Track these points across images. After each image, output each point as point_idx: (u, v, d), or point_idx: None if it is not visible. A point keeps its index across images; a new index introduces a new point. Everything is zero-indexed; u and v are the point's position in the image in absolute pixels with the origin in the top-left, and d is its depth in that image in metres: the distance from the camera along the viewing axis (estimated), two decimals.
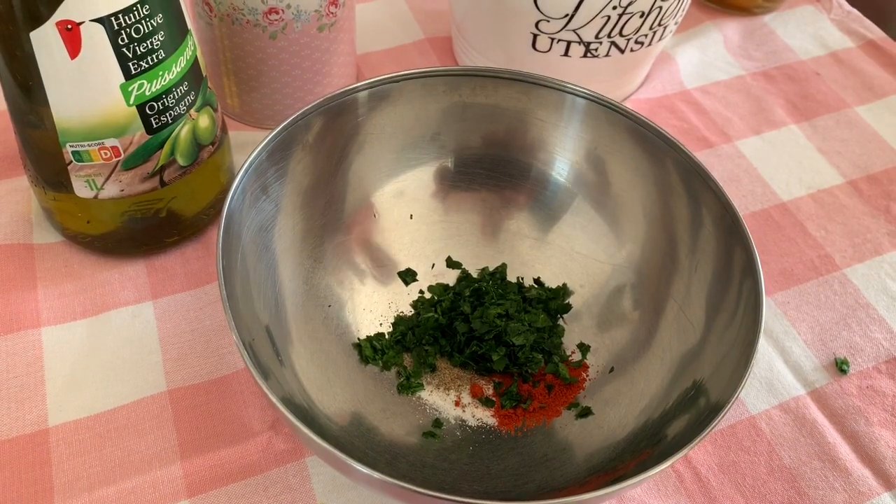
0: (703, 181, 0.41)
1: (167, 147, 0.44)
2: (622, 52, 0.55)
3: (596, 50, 0.54)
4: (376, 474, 0.31)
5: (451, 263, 0.49)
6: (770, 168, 0.58)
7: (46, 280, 0.48)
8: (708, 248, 0.42)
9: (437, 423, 0.43)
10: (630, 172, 0.45)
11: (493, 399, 0.44)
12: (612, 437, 0.41)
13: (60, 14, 0.37)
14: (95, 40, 0.38)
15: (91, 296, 0.48)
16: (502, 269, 0.48)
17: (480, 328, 0.44)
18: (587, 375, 0.45)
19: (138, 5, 0.39)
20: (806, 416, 0.45)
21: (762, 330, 0.36)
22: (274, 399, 0.32)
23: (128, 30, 0.39)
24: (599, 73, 0.57)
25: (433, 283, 0.48)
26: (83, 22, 0.38)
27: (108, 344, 0.46)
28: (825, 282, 0.52)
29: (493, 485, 0.40)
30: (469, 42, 0.60)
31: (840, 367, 0.47)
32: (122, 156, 0.43)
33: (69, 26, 0.38)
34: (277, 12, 0.50)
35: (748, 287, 0.38)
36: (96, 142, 0.42)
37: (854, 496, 0.42)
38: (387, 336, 0.46)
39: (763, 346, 0.40)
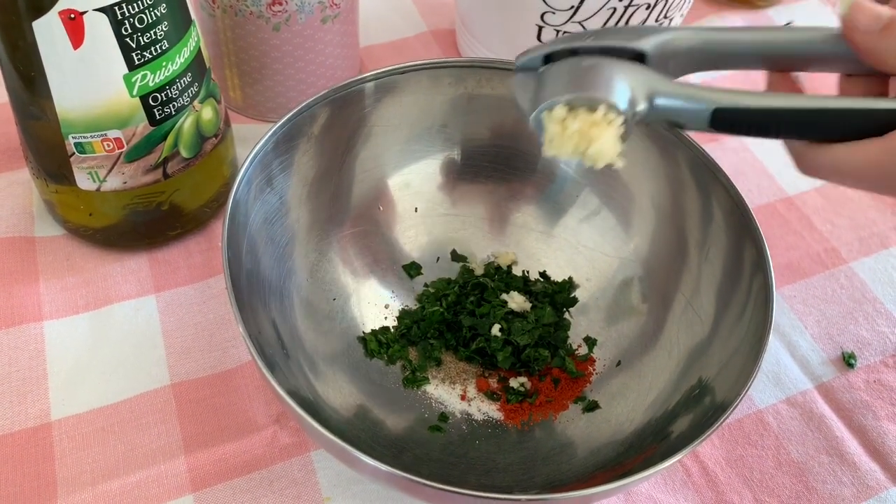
0: (713, 176, 0.41)
1: (170, 139, 0.44)
2: None
3: None
4: (383, 466, 0.31)
5: (456, 257, 0.48)
6: (776, 162, 0.58)
7: (48, 273, 0.48)
8: (717, 243, 0.41)
9: (443, 416, 0.42)
10: (638, 165, 0.45)
11: (499, 393, 0.44)
12: (620, 432, 0.40)
13: (63, 3, 0.37)
14: (98, 30, 0.38)
15: (93, 289, 0.47)
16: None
17: (482, 326, 0.44)
18: (594, 369, 0.44)
19: None
20: (813, 410, 0.45)
21: (772, 326, 0.36)
22: (280, 390, 0.32)
23: (131, 19, 0.39)
24: None
25: (438, 277, 0.48)
26: (86, 11, 0.37)
27: (111, 338, 0.45)
28: (832, 275, 0.51)
29: (500, 479, 0.40)
30: (473, 34, 0.60)
31: (847, 361, 0.47)
32: (125, 147, 0.42)
33: (72, 15, 0.37)
34: (281, 3, 0.49)
35: (758, 283, 0.38)
36: (99, 133, 0.42)
37: (862, 490, 0.42)
38: (392, 330, 0.45)
39: (770, 340, 0.40)
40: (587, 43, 0.32)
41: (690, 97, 0.31)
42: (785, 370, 0.47)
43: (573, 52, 0.32)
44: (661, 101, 0.31)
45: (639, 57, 0.32)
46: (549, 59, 0.33)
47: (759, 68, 0.33)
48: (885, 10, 0.29)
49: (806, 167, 0.32)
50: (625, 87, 0.31)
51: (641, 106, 0.31)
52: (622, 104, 0.30)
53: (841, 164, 0.31)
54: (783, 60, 0.32)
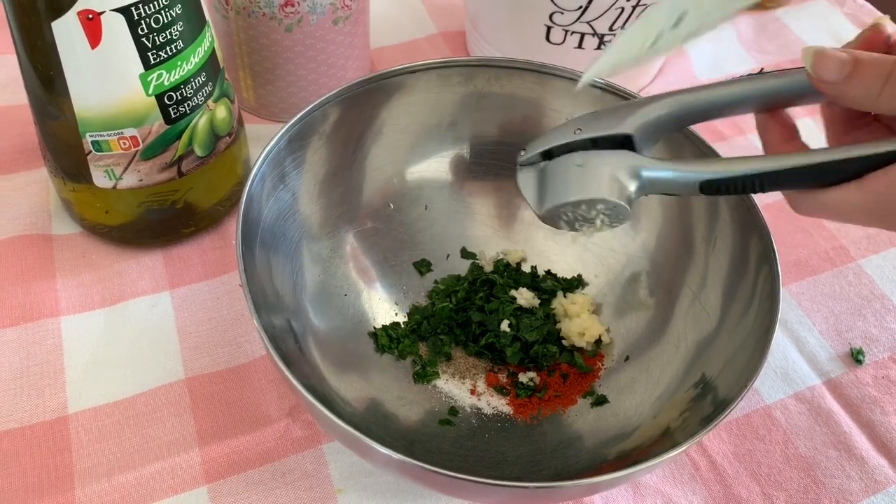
0: None
1: (185, 137, 0.44)
2: None
3: (610, 42, 0.54)
4: (396, 455, 0.31)
5: (465, 254, 0.49)
6: None
7: (65, 270, 0.48)
8: (724, 237, 0.42)
9: (453, 411, 0.43)
10: None
11: (508, 388, 0.44)
12: (628, 425, 0.41)
13: (82, 4, 0.38)
14: (116, 30, 0.39)
15: (109, 285, 0.48)
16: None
17: (491, 322, 0.45)
18: (602, 364, 0.45)
19: None
20: (821, 405, 0.45)
21: (778, 317, 0.36)
22: (295, 382, 0.32)
23: (147, 20, 0.39)
24: None
25: (448, 274, 0.48)
26: (104, 11, 0.38)
27: (127, 333, 0.46)
28: (840, 273, 0.52)
29: (509, 471, 0.40)
30: (482, 35, 0.60)
31: (855, 357, 0.47)
32: (141, 145, 0.43)
33: (90, 16, 0.38)
34: (293, 5, 0.50)
35: (764, 275, 0.38)
36: (116, 131, 0.42)
37: (870, 485, 0.42)
38: (402, 325, 0.46)
39: (778, 336, 0.41)
40: (577, 137, 0.34)
41: (678, 178, 0.33)
42: (793, 366, 0.47)
43: (567, 147, 0.35)
44: (653, 183, 0.34)
45: (626, 139, 0.34)
46: (547, 154, 0.36)
47: (744, 113, 0.34)
48: (845, 56, 0.29)
49: (803, 211, 0.33)
50: (615, 181, 0.33)
51: (634, 194, 0.34)
52: (616, 198, 0.34)
53: (840, 205, 0.31)
54: (765, 105, 0.34)
